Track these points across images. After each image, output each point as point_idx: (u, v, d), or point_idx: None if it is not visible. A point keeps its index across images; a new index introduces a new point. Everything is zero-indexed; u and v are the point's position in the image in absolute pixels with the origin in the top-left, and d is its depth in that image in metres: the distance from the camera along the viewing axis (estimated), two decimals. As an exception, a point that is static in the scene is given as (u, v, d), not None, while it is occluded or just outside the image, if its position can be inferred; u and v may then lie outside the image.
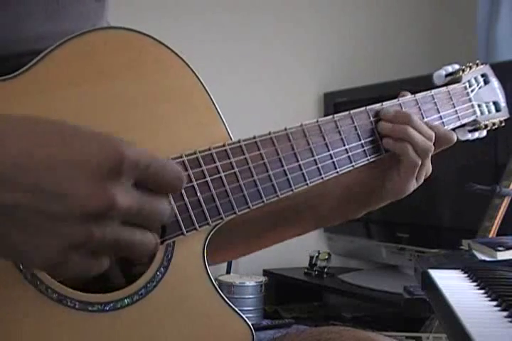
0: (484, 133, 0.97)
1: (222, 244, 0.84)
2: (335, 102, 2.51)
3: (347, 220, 0.91)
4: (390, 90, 2.10)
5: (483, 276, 0.74)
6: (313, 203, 0.90)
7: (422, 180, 0.87)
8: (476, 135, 0.97)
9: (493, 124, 0.98)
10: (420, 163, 0.83)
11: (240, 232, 0.90)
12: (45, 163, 0.50)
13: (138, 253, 0.55)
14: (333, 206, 0.89)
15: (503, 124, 0.99)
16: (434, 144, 0.85)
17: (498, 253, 0.90)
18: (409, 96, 0.88)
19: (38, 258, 0.51)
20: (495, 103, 0.98)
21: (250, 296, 2.16)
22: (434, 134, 0.85)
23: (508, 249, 0.90)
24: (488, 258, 0.90)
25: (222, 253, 0.92)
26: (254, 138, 0.74)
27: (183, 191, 0.68)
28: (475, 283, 0.73)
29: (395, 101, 0.87)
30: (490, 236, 1.40)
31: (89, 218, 0.50)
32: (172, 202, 0.67)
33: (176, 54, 0.73)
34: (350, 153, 0.82)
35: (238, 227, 0.87)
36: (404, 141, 0.83)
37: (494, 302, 0.63)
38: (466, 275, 0.78)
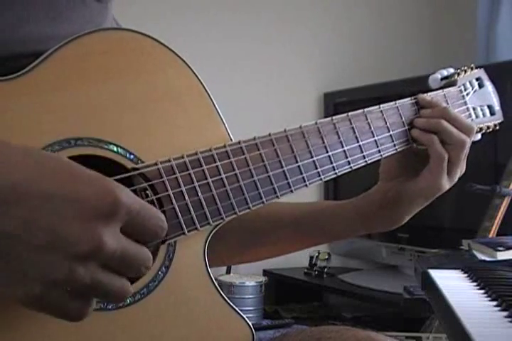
0: (479, 136, 0.98)
1: (230, 251, 0.86)
2: (335, 102, 2.51)
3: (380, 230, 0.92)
4: (390, 90, 2.11)
5: (483, 276, 0.75)
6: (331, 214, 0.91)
7: (456, 178, 0.89)
8: None
9: (488, 128, 0.98)
10: (447, 156, 0.85)
11: (250, 240, 0.92)
12: (44, 197, 0.50)
13: (112, 298, 0.56)
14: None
15: (497, 128, 1.00)
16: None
17: (498, 253, 0.90)
18: (406, 99, 0.89)
19: (18, 290, 0.51)
20: (489, 106, 0.99)
21: (250, 296, 2.16)
22: (474, 126, 0.87)
23: (508, 248, 0.90)
24: (488, 258, 0.90)
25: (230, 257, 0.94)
26: (254, 139, 0.74)
27: (184, 191, 0.68)
28: (475, 283, 0.73)
29: (391, 103, 0.87)
30: (490, 236, 1.40)
31: (73, 257, 0.51)
32: (174, 201, 0.67)
33: (176, 54, 0.73)
34: (349, 157, 0.82)
35: (248, 236, 0.89)
36: (431, 133, 0.85)
37: (494, 302, 0.63)
38: (466, 275, 0.78)
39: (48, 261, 0.50)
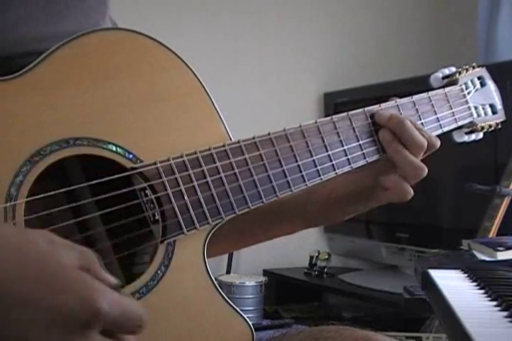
0: (481, 135, 0.97)
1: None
2: (335, 102, 2.51)
3: (334, 222, 0.89)
4: (390, 90, 2.11)
5: (483, 276, 0.74)
6: (301, 200, 0.88)
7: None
8: (473, 137, 0.97)
9: (490, 126, 0.98)
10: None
11: (228, 228, 0.90)
12: (21, 300, 0.49)
13: None
14: (319, 205, 0.87)
15: (499, 127, 0.99)
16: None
17: (498, 253, 0.90)
18: (406, 98, 0.88)
19: None
20: (491, 105, 0.98)
21: (250, 296, 2.16)
22: (426, 141, 0.83)
23: (508, 248, 0.90)
24: (488, 258, 0.90)
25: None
26: (253, 138, 0.74)
27: (183, 191, 0.68)
28: (475, 283, 0.73)
29: (392, 102, 0.87)
30: (490, 236, 1.40)
31: None
32: (173, 200, 0.67)
33: (175, 54, 0.73)
34: (349, 155, 0.82)
35: (227, 223, 0.87)
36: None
37: (494, 302, 0.63)
38: (466, 275, 0.78)
39: None
